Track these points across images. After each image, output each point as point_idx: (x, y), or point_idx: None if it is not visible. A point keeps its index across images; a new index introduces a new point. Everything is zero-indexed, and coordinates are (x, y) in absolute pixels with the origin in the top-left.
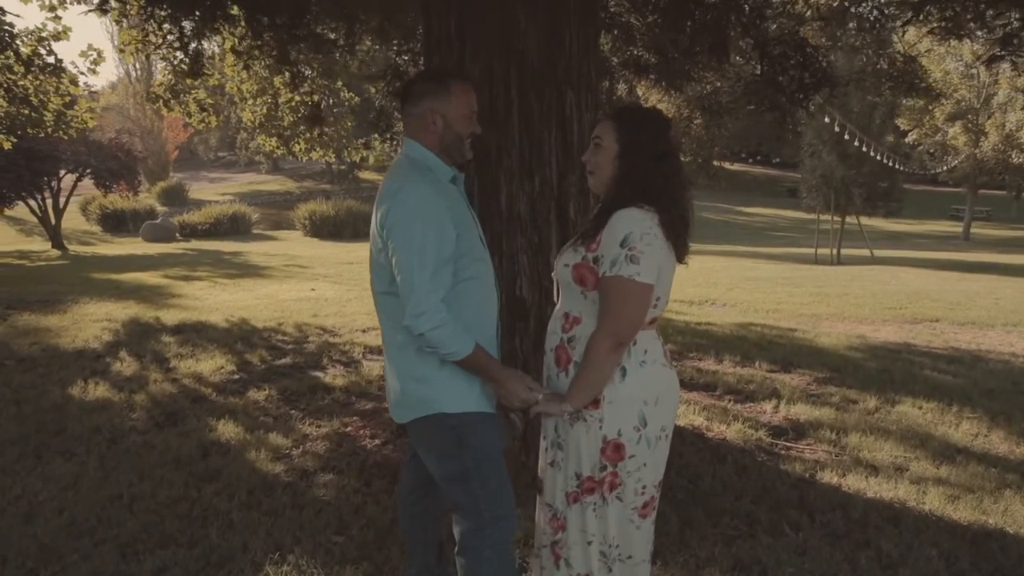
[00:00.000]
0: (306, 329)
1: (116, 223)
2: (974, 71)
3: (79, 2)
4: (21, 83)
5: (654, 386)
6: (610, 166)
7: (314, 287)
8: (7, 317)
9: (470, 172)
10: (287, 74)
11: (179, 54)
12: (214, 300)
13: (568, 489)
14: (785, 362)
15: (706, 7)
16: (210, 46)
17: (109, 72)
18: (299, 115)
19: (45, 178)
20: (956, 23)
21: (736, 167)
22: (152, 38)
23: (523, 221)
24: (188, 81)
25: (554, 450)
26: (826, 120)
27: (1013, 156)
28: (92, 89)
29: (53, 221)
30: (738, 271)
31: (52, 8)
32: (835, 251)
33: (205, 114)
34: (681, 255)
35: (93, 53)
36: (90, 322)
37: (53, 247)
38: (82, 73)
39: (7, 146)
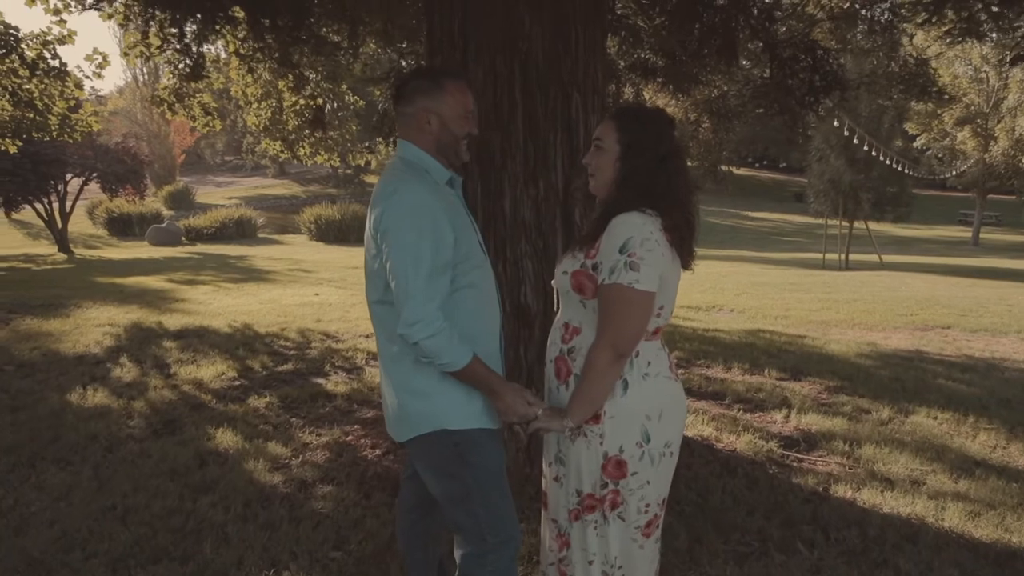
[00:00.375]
0: (309, 335)
1: (122, 227)
2: (983, 75)
3: (83, 6)
4: (26, 87)
5: (657, 400)
6: (611, 168)
7: (318, 292)
8: (9, 321)
9: (473, 176)
10: (290, 77)
11: (179, 56)
12: (217, 305)
13: (570, 506)
14: (795, 370)
15: (714, 9)
16: (214, 49)
17: (117, 77)
18: (303, 119)
19: (52, 182)
20: (972, 23)
21: (743, 172)
22: (153, 40)
23: (527, 226)
24: (192, 85)
25: (556, 465)
26: (835, 124)
27: (1023, 161)
28: (99, 93)
29: (59, 225)
30: (745, 276)
31: (57, 12)
32: (843, 256)
33: (209, 118)
34: (687, 261)
35: (98, 57)
36: (92, 327)
37: (59, 251)
38: (87, 77)
39: (12, 150)
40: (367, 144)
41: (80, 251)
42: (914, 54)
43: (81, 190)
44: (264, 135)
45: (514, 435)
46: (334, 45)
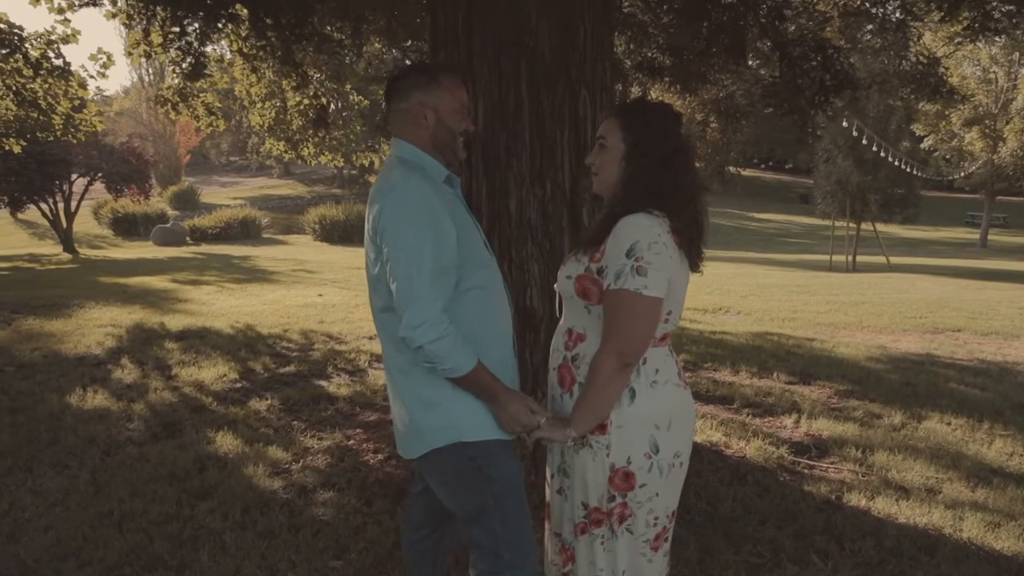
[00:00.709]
0: (312, 336)
1: (127, 227)
2: (992, 75)
3: (79, 3)
4: (30, 87)
5: (666, 409)
6: (616, 167)
7: (321, 293)
8: (11, 322)
9: (478, 175)
10: (294, 76)
11: (181, 55)
12: (220, 305)
13: (575, 519)
14: (804, 373)
15: (723, 7)
16: (217, 49)
17: (123, 77)
18: (307, 119)
19: (57, 182)
20: (989, 20)
21: (748, 172)
22: (155, 38)
23: (534, 227)
24: (196, 84)
25: (560, 477)
26: (844, 124)
27: None
28: (105, 93)
29: (64, 225)
30: (751, 278)
31: (61, 10)
32: (850, 258)
33: (213, 117)
34: (695, 263)
35: (103, 57)
36: (94, 327)
37: (64, 251)
38: (91, 77)
39: (16, 150)
40: (371, 144)
41: (85, 251)
42: (925, 53)
43: (86, 190)
44: (268, 135)
45: (519, 442)
46: (337, 43)
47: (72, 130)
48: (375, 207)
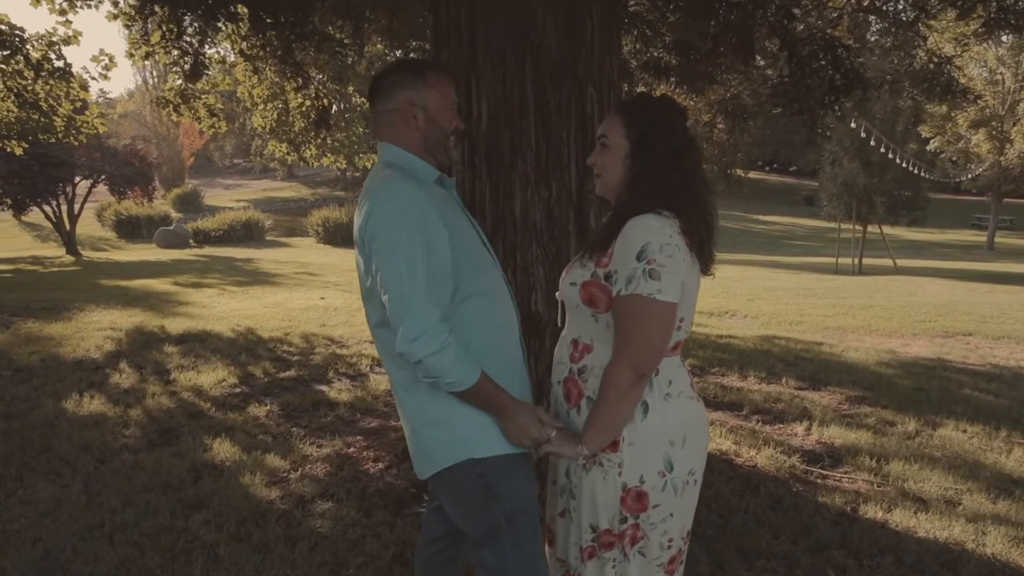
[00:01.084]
0: (313, 340)
1: (131, 229)
2: (999, 77)
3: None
4: (31, 88)
5: (681, 423)
6: (620, 167)
7: (324, 296)
8: (10, 325)
9: (481, 176)
10: (291, 74)
11: (180, 54)
12: (222, 308)
13: (583, 543)
14: (813, 379)
15: (731, 5)
16: (221, 51)
17: (127, 80)
18: (309, 120)
19: (60, 184)
20: (1006, 14)
21: (752, 175)
22: (153, 37)
23: (539, 230)
24: (198, 86)
25: (565, 497)
26: (852, 125)
27: None
28: (108, 96)
29: (67, 227)
30: (757, 281)
31: (63, 12)
32: (856, 261)
33: (215, 119)
34: (706, 265)
35: (105, 58)
36: (93, 331)
37: (67, 253)
38: (93, 78)
39: (18, 151)
40: (373, 145)
41: (88, 253)
42: (937, 53)
43: (89, 193)
44: (270, 137)
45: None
46: (337, 42)
47: (74, 132)
48: (361, 215)
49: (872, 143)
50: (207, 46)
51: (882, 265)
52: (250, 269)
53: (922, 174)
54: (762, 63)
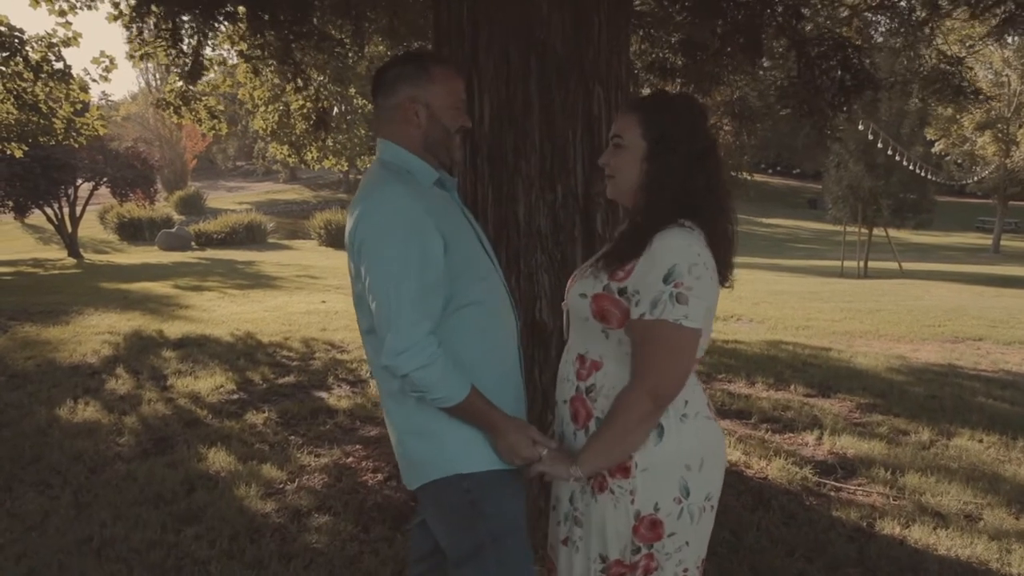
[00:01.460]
0: (313, 344)
1: (133, 232)
2: (1004, 79)
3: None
4: (31, 90)
5: (698, 446)
6: (635, 170)
7: (325, 299)
8: (8, 329)
9: (483, 178)
10: (290, 74)
11: (176, 53)
12: (221, 312)
13: (591, 574)
14: (823, 385)
15: (738, 4)
16: (220, 52)
17: (130, 83)
18: (310, 122)
19: (62, 187)
20: (1020, 15)
21: (756, 177)
22: (147, 36)
23: (544, 235)
24: (198, 87)
25: (569, 525)
26: (860, 127)
27: None
28: (111, 98)
29: (69, 229)
30: (762, 284)
31: (63, 13)
32: (862, 264)
33: (216, 121)
34: (724, 277)
35: (105, 60)
36: (91, 335)
37: (69, 255)
38: (94, 80)
39: (18, 154)
40: (374, 147)
41: (90, 256)
42: (948, 52)
43: (91, 195)
44: (271, 139)
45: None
46: (337, 42)
47: (74, 134)
48: (352, 218)
49: (880, 145)
50: (206, 47)
51: (887, 268)
52: (251, 272)
53: (929, 176)
54: (767, 64)
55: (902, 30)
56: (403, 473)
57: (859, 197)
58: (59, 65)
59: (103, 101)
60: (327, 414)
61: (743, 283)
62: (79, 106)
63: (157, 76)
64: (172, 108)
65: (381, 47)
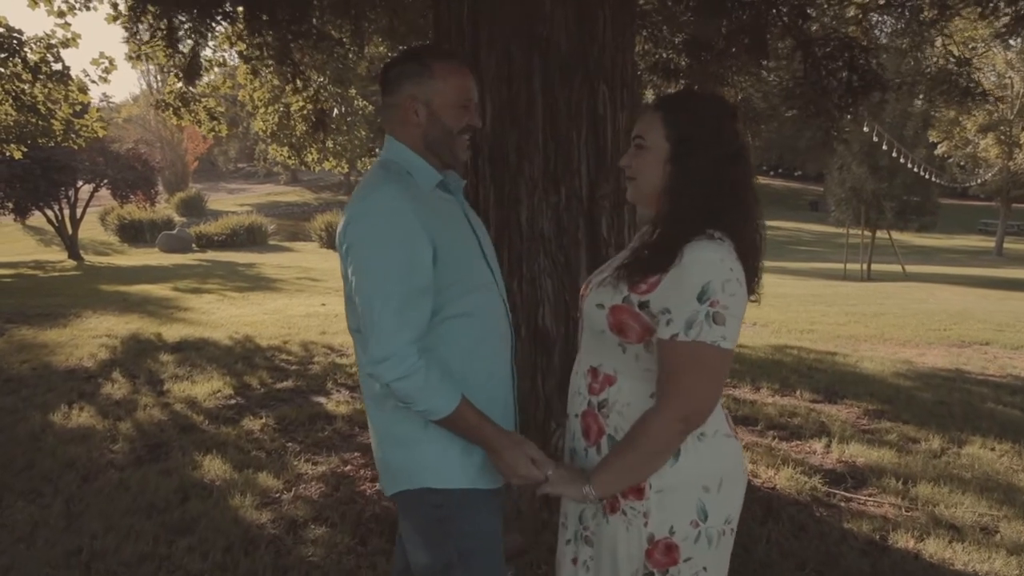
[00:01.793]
0: (312, 348)
1: (134, 233)
2: (1007, 81)
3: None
4: (30, 92)
5: (717, 466)
6: (658, 173)
7: (325, 302)
8: (4, 332)
9: (485, 180)
10: (291, 76)
11: (172, 51)
12: (220, 315)
13: None
14: (829, 391)
15: (744, 4)
16: (222, 54)
17: (132, 85)
18: (310, 123)
19: (62, 188)
20: None
21: (758, 179)
22: (144, 36)
23: (547, 239)
24: (199, 88)
25: (578, 544)
26: (865, 129)
27: None
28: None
29: (70, 231)
30: (765, 287)
31: (61, 14)
32: (865, 267)
33: (215, 122)
34: (752, 288)
35: (104, 61)
36: (88, 338)
37: (69, 257)
38: (93, 82)
39: (17, 155)
40: (375, 149)
41: (90, 258)
42: (956, 54)
43: (91, 197)
44: (271, 140)
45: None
46: (335, 41)
47: (73, 135)
48: (343, 220)
49: (884, 147)
50: (204, 48)
51: (891, 271)
52: (251, 274)
53: (933, 179)
54: (772, 65)
55: (909, 30)
56: (380, 478)
57: (862, 199)
58: (58, 66)
59: (104, 103)
60: (325, 420)
61: None
62: (78, 107)
63: (158, 78)
64: (171, 110)
65: (382, 48)
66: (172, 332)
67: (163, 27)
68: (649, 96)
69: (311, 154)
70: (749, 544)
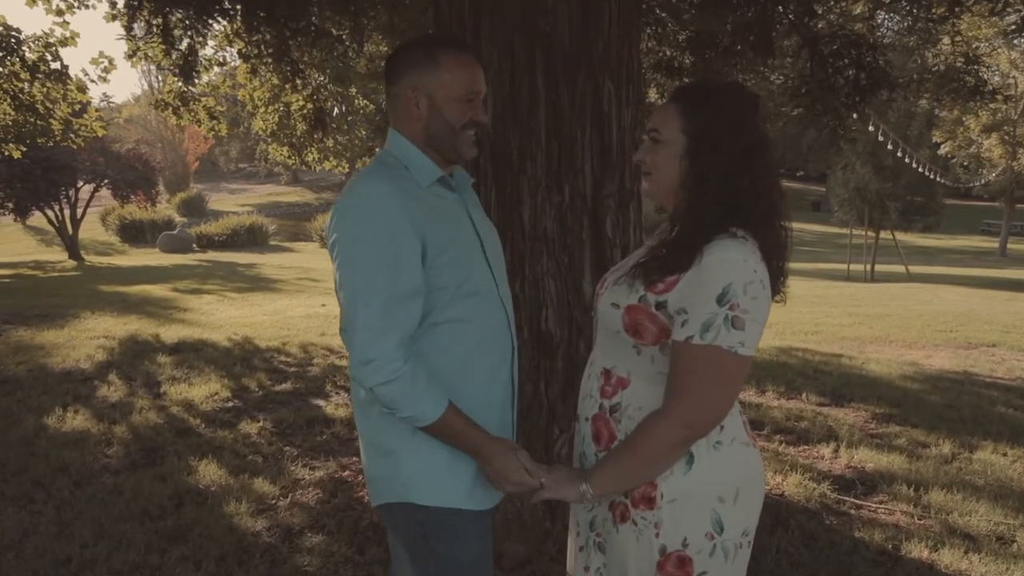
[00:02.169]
0: (311, 350)
1: (134, 234)
2: (1011, 80)
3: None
4: (28, 91)
5: (733, 475)
6: (675, 167)
7: (325, 303)
8: (1, 332)
9: (486, 179)
10: (288, 72)
11: (165, 50)
12: (219, 316)
13: None
14: (836, 394)
15: (749, 1)
16: (220, 53)
17: (133, 85)
18: (310, 123)
19: (62, 188)
20: None
21: None
22: (137, 31)
23: (550, 239)
24: (198, 88)
25: (591, 551)
26: (870, 128)
27: None
28: (112, 100)
29: (70, 231)
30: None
31: (59, 12)
32: (869, 267)
33: (215, 122)
34: (776, 288)
35: (104, 61)
36: (86, 339)
37: (69, 257)
38: (92, 81)
39: (16, 155)
40: (372, 146)
41: (91, 258)
42: (964, 52)
43: (92, 197)
44: (271, 140)
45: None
46: (335, 38)
47: (71, 135)
48: (331, 212)
49: (889, 146)
50: (203, 46)
51: (894, 272)
52: (252, 275)
53: (937, 179)
54: (777, 63)
55: (917, 27)
56: (369, 487)
57: (866, 200)
58: (56, 65)
59: (105, 103)
60: (324, 423)
61: None
62: (77, 107)
63: (159, 78)
64: (171, 109)
65: (383, 46)
66: (170, 333)
67: (158, 24)
68: (653, 95)
69: (311, 154)
70: (758, 554)
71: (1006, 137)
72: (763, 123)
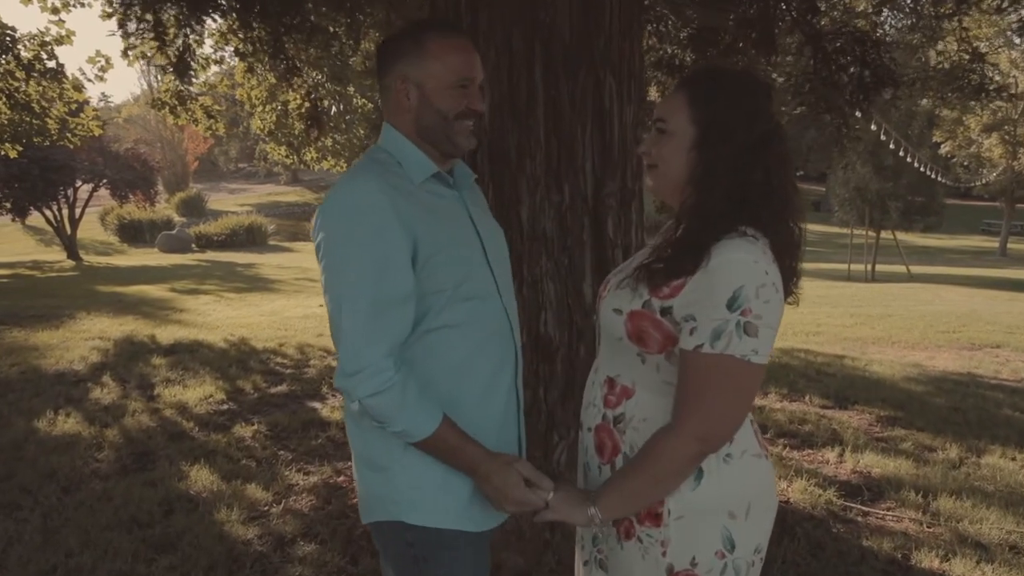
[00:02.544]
0: (308, 351)
1: (133, 233)
2: (1012, 80)
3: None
4: (23, 90)
5: (744, 490)
6: (682, 160)
7: (322, 303)
8: None
9: (483, 178)
10: (283, 68)
11: (158, 46)
12: (216, 316)
13: None
14: (839, 396)
15: None
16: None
17: (133, 85)
18: (306, 122)
19: (60, 188)
20: None
21: None
22: (131, 29)
23: (549, 240)
24: (195, 87)
25: (595, 569)
26: (872, 127)
27: None
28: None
29: (68, 231)
30: None
31: (55, 11)
32: (869, 267)
33: (212, 121)
34: (789, 289)
35: (101, 60)
36: (81, 340)
37: (68, 257)
38: (89, 80)
39: (13, 154)
40: (368, 144)
41: (90, 258)
42: (969, 50)
43: (90, 196)
44: (269, 139)
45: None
46: (331, 35)
47: (68, 134)
48: (316, 211)
49: (892, 146)
50: (200, 44)
51: (895, 272)
52: (250, 275)
53: (939, 179)
54: (779, 61)
55: (920, 24)
56: (359, 504)
57: (866, 199)
58: (51, 64)
59: (103, 103)
60: (319, 427)
61: None
62: (73, 106)
63: (158, 78)
64: (168, 108)
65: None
66: (166, 334)
67: (149, 19)
68: (653, 93)
69: (310, 153)
70: (764, 565)
71: (1006, 137)
72: (775, 112)
